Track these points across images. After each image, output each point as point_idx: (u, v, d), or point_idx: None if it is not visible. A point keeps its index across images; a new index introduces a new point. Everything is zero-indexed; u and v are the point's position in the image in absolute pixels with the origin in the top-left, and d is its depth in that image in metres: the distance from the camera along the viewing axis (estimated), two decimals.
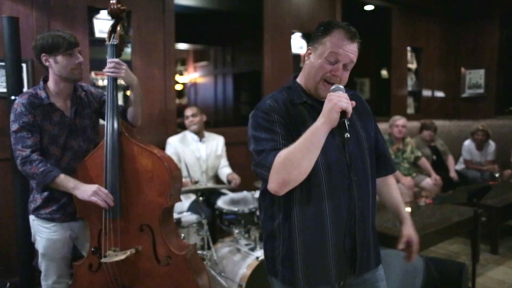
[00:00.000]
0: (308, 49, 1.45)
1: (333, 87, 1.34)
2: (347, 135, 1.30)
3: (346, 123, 1.30)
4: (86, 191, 1.97)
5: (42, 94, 2.03)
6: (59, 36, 1.99)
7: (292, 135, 1.36)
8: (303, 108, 1.43)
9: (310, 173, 1.33)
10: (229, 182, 3.47)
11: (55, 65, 2.01)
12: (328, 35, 1.37)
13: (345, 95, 1.29)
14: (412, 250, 1.62)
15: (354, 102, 1.30)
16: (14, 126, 1.98)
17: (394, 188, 1.68)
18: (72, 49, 2.02)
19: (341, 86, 1.34)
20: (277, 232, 1.46)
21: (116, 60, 2.11)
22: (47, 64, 2.02)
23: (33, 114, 1.99)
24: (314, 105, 1.43)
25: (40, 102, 2.01)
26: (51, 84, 2.07)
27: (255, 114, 1.41)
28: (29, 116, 1.97)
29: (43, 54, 2.00)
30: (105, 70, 2.11)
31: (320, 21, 1.44)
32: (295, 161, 1.27)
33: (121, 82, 3.76)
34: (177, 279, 2.09)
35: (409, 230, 1.62)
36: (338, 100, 1.25)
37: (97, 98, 2.23)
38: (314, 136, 1.26)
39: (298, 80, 1.50)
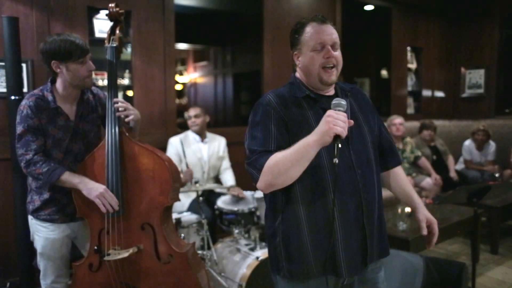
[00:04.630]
0: (294, 54, 1.51)
1: (334, 101, 1.32)
2: (336, 160, 1.24)
3: (338, 146, 1.26)
4: (93, 189, 1.96)
5: (49, 96, 2.01)
6: (71, 42, 1.94)
7: (288, 133, 1.39)
8: (305, 102, 1.46)
9: (315, 168, 1.37)
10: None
11: (66, 72, 1.98)
12: (303, 32, 1.46)
13: (343, 116, 1.27)
14: (433, 233, 1.58)
15: (352, 121, 1.31)
16: (19, 129, 1.97)
17: (403, 178, 1.68)
18: (84, 57, 1.98)
19: (343, 102, 1.31)
20: (278, 230, 1.46)
21: (122, 101, 2.10)
22: (57, 71, 1.98)
23: (39, 118, 1.97)
24: (317, 99, 1.46)
25: (46, 106, 1.99)
26: (59, 87, 2.04)
27: (255, 110, 1.46)
28: (34, 119, 1.96)
29: (54, 61, 1.96)
30: (118, 113, 2.08)
31: (293, 26, 1.50)
32: (282, 169, 1.31)
33: (121, 82, 3.78)
34: (179, 277, 2.10)
35: (425, 213, 1.58)
36: (334, 124, 1.24)
37: (104, 104, 2.19)
38: (305, 151, 1.29)
39: (298, 75, 1.53)
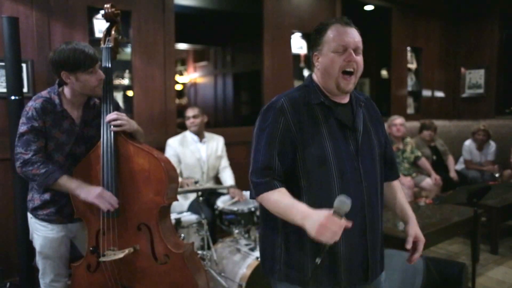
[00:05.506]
0: (314, 55, 1.46)
1: (337, 201, 1.23)
2: (318, 260, 1.29)
3: (324, 247, 1.26)
4: (90, 192, 1.95)
5: (56, 99, 2.00)
6: (80, 51, 1.90)
7: (296, 148, 1.38)
8: (319, 110, 1.42)
9: (322, 179, 1.37)
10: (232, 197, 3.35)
11: (76, 82, 1.95)
12: (326, 33, 1.41)
13: (337, 226, 1.22)
14: (417, 250, 1.59)
15: (349, 225, 1.26)
16: (22, 128, 1.96)
17: (399, 191, 1.67)
18: (94, 66, 1.95)
19: (346, 205, 1.23)
20: (280, 231, 1.44)
21: (115, 113, 2.04)
22: (67, 81, 1.96)
23: (43, 120, 1.96)
24: (331, 107, 1.43)
25: (52, 108, 1.98)
26: (67, 92, 2.03)
27: (266, 112, 1.43)
28: (39, 121, 1.95)
29: (63, 72, 1.93)
30: (108, 122, 2.03)
31: (315, 26, 1.47)
32: (273, 210, 1.39)
33: (121, 82, 3.77)
34: (175, 277, 2.09)
35: (415, 229, 1.59)
36: (332, 236, 1.21)
37: None
38: (289, 219, 1.33)
39: (315, 78, 1.49)
